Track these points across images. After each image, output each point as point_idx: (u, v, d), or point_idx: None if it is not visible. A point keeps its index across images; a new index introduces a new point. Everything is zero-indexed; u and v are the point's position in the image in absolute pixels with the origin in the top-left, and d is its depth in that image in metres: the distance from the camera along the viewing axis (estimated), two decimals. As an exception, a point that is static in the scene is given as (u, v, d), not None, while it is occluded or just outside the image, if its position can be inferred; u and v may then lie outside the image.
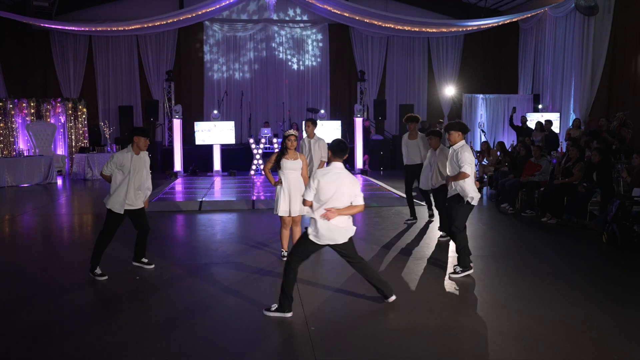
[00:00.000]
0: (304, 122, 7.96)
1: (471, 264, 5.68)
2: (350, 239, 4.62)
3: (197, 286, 5.46)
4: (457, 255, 5.72)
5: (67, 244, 7.51)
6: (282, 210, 5.94)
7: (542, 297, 4.98)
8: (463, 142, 5.70)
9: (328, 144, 4.64)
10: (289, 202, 5.92)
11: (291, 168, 5.91)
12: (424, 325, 4.31)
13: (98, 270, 5.59)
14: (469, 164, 5.52)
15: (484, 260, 6.22)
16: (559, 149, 11.72)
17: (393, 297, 4.76)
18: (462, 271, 5.58)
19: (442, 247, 6.81)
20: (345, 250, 4.64)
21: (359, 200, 4.46)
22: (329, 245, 4.55)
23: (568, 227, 7.94)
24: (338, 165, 4.45)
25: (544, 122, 12.95)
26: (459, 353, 3.84)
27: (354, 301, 4.90)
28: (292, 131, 6.03)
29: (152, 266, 5.92)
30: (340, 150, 4.46)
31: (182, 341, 4.08)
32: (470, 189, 5.59)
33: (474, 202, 5.63)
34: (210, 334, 4.22)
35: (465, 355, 3.81)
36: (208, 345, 4.02)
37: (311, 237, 4.50)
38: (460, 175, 5.53)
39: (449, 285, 5.29)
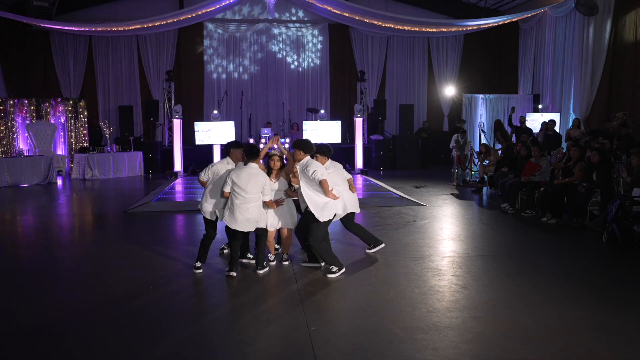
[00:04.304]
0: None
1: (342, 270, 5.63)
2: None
3: (198, 286, 5.47)
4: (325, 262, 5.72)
5: (67, 244, 7.51)
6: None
7: (542, 297, 4.99)
8: (307, 157, 5.64)
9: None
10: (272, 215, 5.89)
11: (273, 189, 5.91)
12: (424, 325, 4.31)
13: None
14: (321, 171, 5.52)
15: (484, 260, 6.22)
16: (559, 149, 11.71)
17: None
18: (338, 270, 5.59)
19: (439, 248, 6.81)
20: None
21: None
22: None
23: (568, 227, 7.93)
24: (253, 166, 5.49)
25: (547, 122, 12.97)
26: (459, 353, 3.84)
27: (354, 301, 4.91)
28: (275, 151, 6.01)
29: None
30: (254, 153, 5.51)
31: (182, 341, 4.08)
32: (320, 207, 5.50)
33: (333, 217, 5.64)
34: (210, 333, 4.23)
35: (466, 355, 3.81)
36: (207, 345, 4.02)
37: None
38: (323, 185, 5.47)
39: (449, 285, 5.29)
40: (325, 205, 5.56)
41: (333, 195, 5.60)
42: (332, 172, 5.89)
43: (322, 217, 5.54)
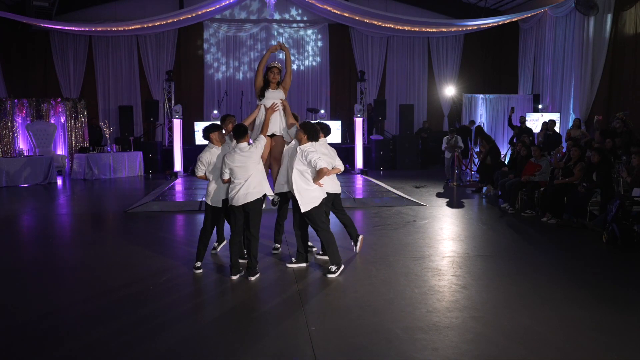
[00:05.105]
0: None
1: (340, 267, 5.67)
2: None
3: (198, 286, 5.47)
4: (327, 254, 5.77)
5: (67, 243, 7.51)
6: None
7: (542, 297, 4.99)
8: (310, 144, 5.65)
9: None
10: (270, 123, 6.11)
11: (273, 97, 6.10)
12: (424, 325, 4.31)
13: None
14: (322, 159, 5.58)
15: (484, 260, 6.22)
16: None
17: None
18: (337, 269, 5.61)
19: (439, 248, 6.81)
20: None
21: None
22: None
23: (568, 227, 7.93)
24: (242, 147, 5.56)
25: (547, 122, 12.97)
26: (459, 353, 3.84)
27: (354, 301, 4.91)
28: (275, 63, 6.10)
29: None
30: (241, 133, 5.59)
31: (181, 340, 4.07)
32: (307, 196, 5.58)
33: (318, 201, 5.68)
34: (209, 333, 4.23)
35: (466, 355, 3.81)
36: (206, 344, 4.02)
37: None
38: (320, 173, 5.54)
39: (449, 285, 5.29)
40: (309, 193, 5.60)
41: (319, 183, 5.65)
42: (325, 152, 5.94)
43: (308, 206, 5.61)
